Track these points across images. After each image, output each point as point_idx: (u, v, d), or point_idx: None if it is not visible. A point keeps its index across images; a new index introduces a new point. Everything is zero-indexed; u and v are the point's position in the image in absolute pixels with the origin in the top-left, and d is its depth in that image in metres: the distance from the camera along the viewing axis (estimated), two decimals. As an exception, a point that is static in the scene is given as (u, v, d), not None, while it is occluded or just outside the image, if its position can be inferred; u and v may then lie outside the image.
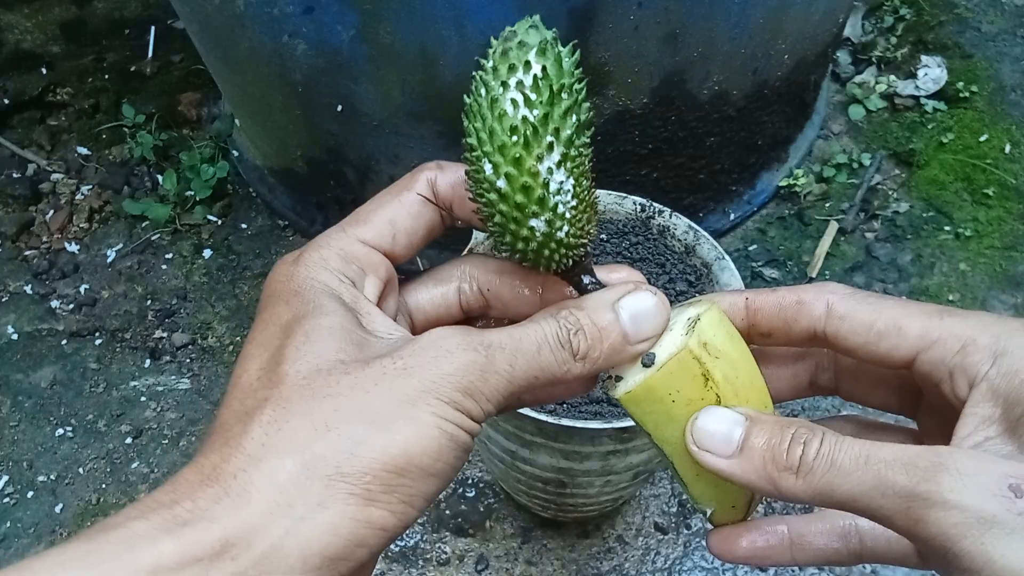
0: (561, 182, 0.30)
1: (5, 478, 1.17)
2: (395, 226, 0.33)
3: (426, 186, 0.34)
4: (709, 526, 0.37)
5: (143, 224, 1.46)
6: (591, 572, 1.06)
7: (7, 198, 1.49)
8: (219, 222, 1.46)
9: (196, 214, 1.45)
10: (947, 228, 1.38)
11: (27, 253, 1.44)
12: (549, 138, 0.28)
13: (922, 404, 0.35)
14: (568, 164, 0.29)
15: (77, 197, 1.50)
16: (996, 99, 1.52)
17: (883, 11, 1.67)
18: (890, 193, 1.43)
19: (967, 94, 1.51)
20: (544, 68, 0.27)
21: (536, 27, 0.28)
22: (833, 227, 1.38)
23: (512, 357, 0.29)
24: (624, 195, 0.86)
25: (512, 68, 0.28)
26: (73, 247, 1.44)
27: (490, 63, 0.28)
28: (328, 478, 0.25)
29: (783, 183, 1.41)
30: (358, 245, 0.32)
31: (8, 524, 1.13)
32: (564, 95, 0.28)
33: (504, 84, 0.28)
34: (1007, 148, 1.45)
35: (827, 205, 1.42)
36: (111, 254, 1.42)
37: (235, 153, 1.52)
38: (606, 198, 0.86)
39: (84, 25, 1.70)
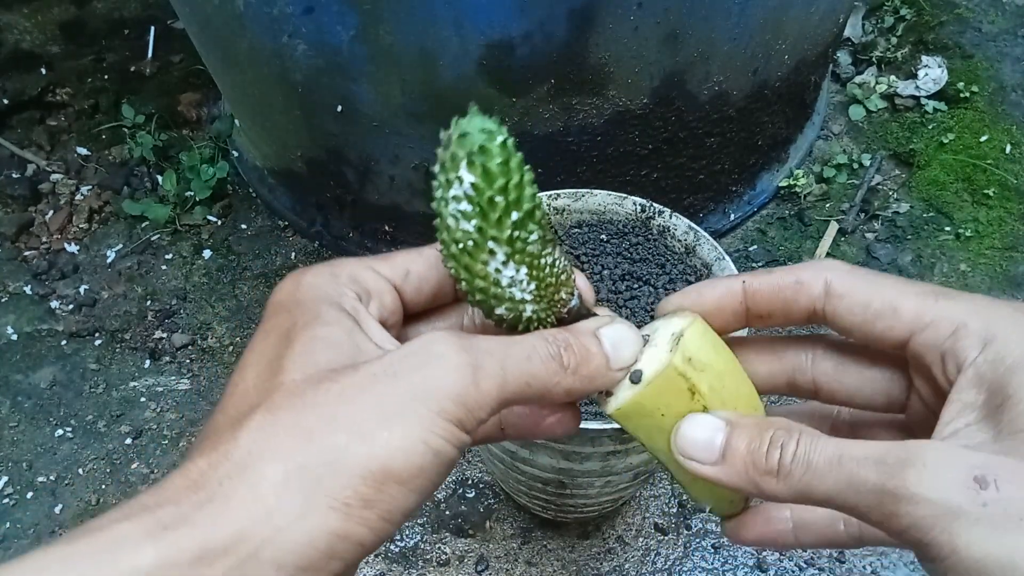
0: (512, 276, 0.31)
1: (5, 479, 1.17)
2: (410, 267, 0.34)
3: None
4: (716, 519, 0.39)
5: (143, 224, 1.45)
6: (591, 573, 1.06)
7: (7, 198, 1.49)
8: (219, 222, 1.46)
9: (196, 214, 1.45)
10: (947, 228, 1.38)
11: (27, 253, 1.44)
12: (490, 244, 0.30)
13: (912, 391, 0.35)
14: (516, 258, 0.31)
15: (77, 197, 1.50)
16: (996, 99, 1.52)
17: (883, 11, 1.67)
18: (890, 193, 1.43)
19: (967, 94, 1.51)
20: (473, 183, 0.29)
21: (465, 135, 0.29)
22: (833, 227, 1.38)
23: (503, 361, 0.29)
24: (624, 195, 0.86)
25: (449, 182, 0.29)
26: (73, 247, 1.44)
27: (438, 170, 0.30)
28: (308, 490, 0.25)
29: (783, 183, 1.41)
30: (370, 272, 0.33)
31: (8, 525, 1.12)
32: (499, 199, 0.29)
33: (445, 200, 0.30)
34: (1007, 148, 1.45)
35: (827, 205, 1.42)
36: (111, 254, 1.42)
37: (235, 153, 1.52)
38: (606, 198, 0.86)
39: (84, 25, 1.70)
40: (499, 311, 0.32)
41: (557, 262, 0.33)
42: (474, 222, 0.30)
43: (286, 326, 0.30)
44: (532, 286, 0.32)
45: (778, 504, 0.37)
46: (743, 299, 0.35)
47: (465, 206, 0.29)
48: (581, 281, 0.35)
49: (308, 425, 0.26)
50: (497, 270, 0.31)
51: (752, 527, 0.37)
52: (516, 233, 0.30)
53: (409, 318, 0.35)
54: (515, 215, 0.30)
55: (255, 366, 0.29)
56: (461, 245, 0.30)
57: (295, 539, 0.24)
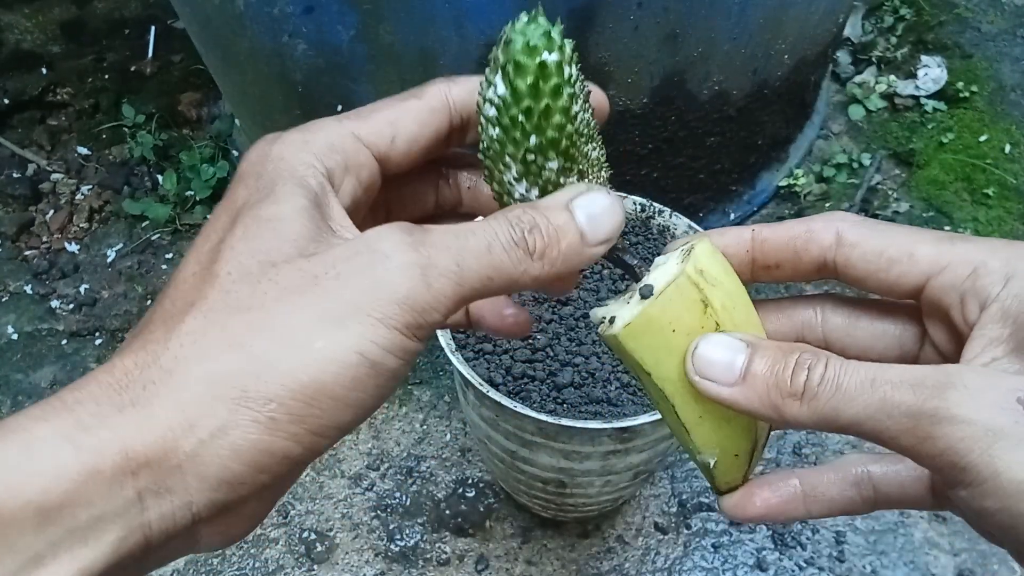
0: (523, 192, 0.31)
1: (5, 478, 1.17)
2: (396, 127, 0.31)
3: (439, 97, 0.32)
4: (715, 519, 0.37)
5: (143, 224, 1.46)
6: (591, 572, 1.06)
7: (7, 198, 1.50)
8: (219, 222, 1.46)
9: (196, 214, 1.45)
10: (947, 228, 1.38)
11: (27, 253, 1.44)
12: (506, 157, 0.30)
13: (925, 340, 0.34)
14: (529, 179, 0.31)
15: (77, 197, 1.50)
16: (996, 99, 1.52)
17: (883, 11, 1.67)
18: (890, 193, 1.43)
19: (967, 94, 1.51)
20: (502, 95, 0.29)
21: (510, 43, 0.28)
22: (833, 227, 1.38)
23: (459, 255, 0.26)
24: (624, 195, 0.86)
25: (489, 82, 0.30)
26: (73, 247, 1.44)
27: (489, 63, 0.30)
28: (232, 401, 0.23)
29: (783, 183, 1.41)
30: (350, 138, 0.30)
31: (8, 524, 1.13)
32: (521, 118, 0.29)
33: (483, 97, 0.30)
34: (1007, 148, 1.45)
35: (827, 205, 1.42)
36: (111, 254, 1.42)
37: (235, 153, 1.52)
38: (606, 198, 0.87)
39: (84, 25, 1.70)
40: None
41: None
42: (497, 131, 0.30)
43: (239, 203, 0.27)
44: None
45: (785, 472, 0.36)
46: (750, 248, 0.34)
47: (493, 113, 0.29)
48: None
49: (239, 330, 0.24)
50: (510, 183, 0.31)
51: (757, 498, 0.35)
52: (531, 156, 0.30)
53: (388, 181, 0.32)
54: (533, 139, 0.29)
55: (197, 250, 0.27)
56: (486, 146, 0.31)
57: (217, 453, 0.23)
